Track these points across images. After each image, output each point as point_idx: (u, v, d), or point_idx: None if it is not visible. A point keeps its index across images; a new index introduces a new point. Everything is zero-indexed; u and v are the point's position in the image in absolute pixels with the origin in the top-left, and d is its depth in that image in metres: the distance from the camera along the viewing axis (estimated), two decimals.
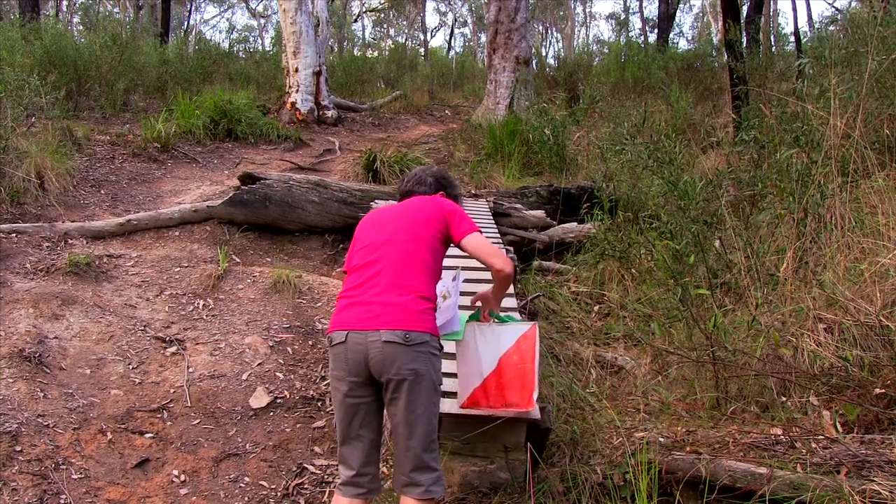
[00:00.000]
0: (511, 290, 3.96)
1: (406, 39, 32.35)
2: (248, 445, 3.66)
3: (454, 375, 2.84)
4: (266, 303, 5.07)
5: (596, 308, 4.95)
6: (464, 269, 3.11)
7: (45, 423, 3.46)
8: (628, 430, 2.86)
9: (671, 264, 4.10)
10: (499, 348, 2.71)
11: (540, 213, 6.35)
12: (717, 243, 4.37)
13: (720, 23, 12.07)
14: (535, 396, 2.60)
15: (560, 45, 33.39)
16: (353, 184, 6.91)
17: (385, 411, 2.36)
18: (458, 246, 2.51)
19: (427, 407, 2.28)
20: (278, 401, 4.03)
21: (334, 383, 2.33)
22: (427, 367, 2.27)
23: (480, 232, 2.52)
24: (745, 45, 8.60)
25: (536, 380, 2.64)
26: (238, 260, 5.80)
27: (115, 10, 24.84)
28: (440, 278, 2.54)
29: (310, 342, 4.66)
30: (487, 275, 2.67)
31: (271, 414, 3.93)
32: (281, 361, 4.40)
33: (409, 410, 2.23)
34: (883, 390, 2.71)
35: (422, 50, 27.70)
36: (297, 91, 11.37)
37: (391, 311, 2.27)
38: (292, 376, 4.27)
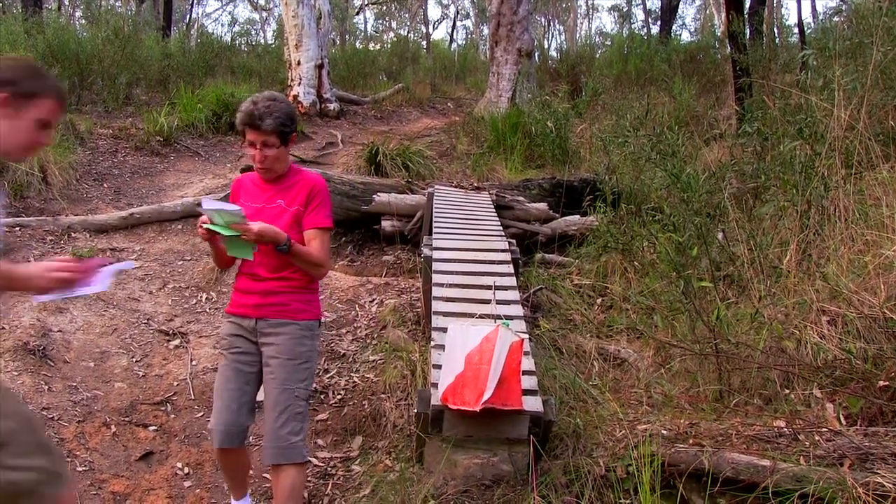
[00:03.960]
0: (514, 282, 3.95)
1: (408, 32, 32.25)
2: (251, 438, 3.67)
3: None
4: None
5: (599, 301, 4.94)
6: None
7: (50, 416, 3.48)
8: (631, 423, 2.86)
9: (674, 257, 4.08)
10: (466, 347, 2.78)
11: (542, 205, 6.32)
12: (720, 236, 4.35)
13: (723, 14, 12.01)
14: (483, 398, 2.59)
15: (562, 37, 33.31)
16: (355, 177, 6.89)
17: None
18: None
19: None
20: None
21: None
22: None
23: None
24: (748, 37, 8.52)
25: (490, 381, 2.64)
26: None
27: (117, 3, 24.79)
28: None
29: None
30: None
31: None
32: None
33: None
34: (886, 382, 2.70)
35: (424, 43, 27.63)
36: (300, 84, 11.34)
37: None
38: None
